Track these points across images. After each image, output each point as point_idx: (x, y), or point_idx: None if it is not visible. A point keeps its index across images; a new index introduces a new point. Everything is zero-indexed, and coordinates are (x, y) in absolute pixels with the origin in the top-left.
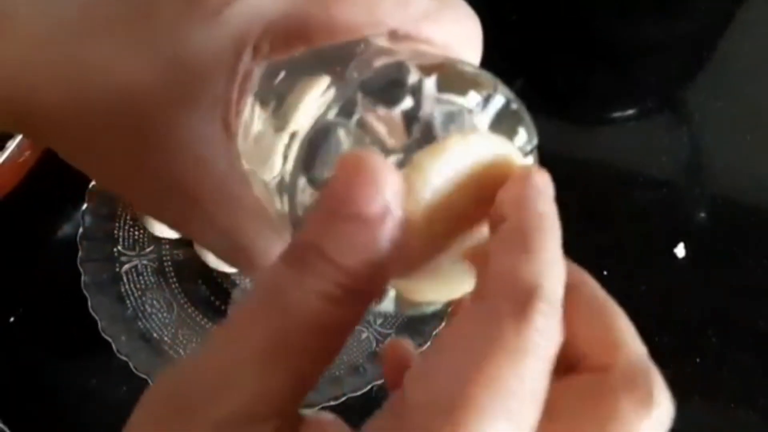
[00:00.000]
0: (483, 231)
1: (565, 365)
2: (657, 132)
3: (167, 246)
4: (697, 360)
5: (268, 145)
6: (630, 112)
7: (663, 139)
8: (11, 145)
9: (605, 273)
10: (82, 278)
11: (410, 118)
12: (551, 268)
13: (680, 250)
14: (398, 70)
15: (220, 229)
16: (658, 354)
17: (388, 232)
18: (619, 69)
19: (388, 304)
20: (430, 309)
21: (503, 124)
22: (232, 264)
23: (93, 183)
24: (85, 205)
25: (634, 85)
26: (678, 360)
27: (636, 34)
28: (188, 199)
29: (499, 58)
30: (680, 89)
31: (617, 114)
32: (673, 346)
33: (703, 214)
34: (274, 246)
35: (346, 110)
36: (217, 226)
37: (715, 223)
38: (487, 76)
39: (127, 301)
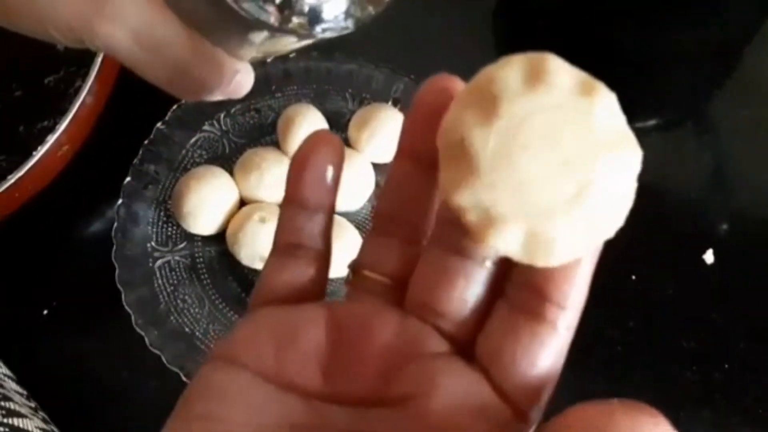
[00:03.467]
0: None
1: None
2: (681, 142)
3: (199, 242)
4: (725, 365)
5: None
6: (654, 122)
7: (688, 148)
8: (50, 140)
9: (633, 278)
10: (116, 273)
11: None
12: None
13: (709, 257)
14: None
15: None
16: (685, 359)
17: None
18: (643, 78)
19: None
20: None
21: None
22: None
23: (129, 179)
24: (120, 201)
25: (658, 94)
26: (705, 365)
27: (661, 43)
28: None
29: None
30: (705, 99)
31: (641, 124)
32: (700, 351)
33: (728, 223)
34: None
35: None
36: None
37: (741, 231)
38: None
39: (160, 296)
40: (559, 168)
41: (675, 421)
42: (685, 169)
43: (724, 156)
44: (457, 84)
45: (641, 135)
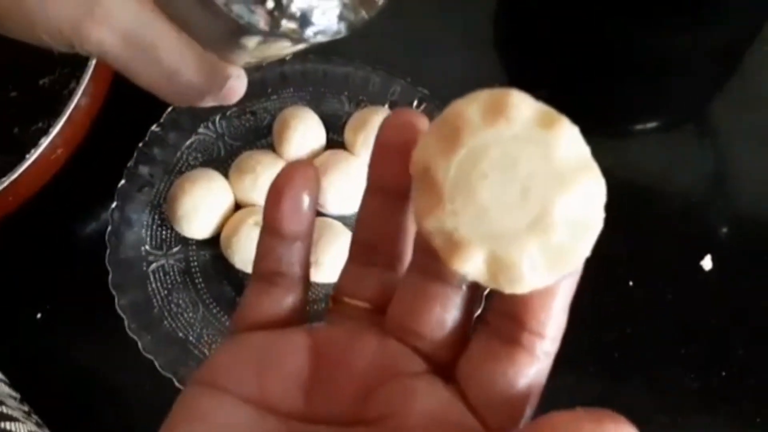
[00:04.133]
0: None
1: None
2: (682, 144)
3: (194, 246)
4: (723, 373)
5: None
6: (654, 124)
7: (688, 151)
8: (44, 142)
9: (631, 284)
10: (110, 277)
11: None
12: None
13: (707, 263)
14: None
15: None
16: (683, 365)
17: None
18: (643, 80)
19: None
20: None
21: None
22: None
23: (123, 182)
24: (114, 204)
25: (658, 97)
26: (704, 372)
27: (662, 46)
28: None
29: (522, 69)
30: (705, 102)
31: (641, 126)
32: (699, 358)
33: (727, 228)
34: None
35: None
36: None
37: (740, 236)
38: None
39: (154, 300)
40: (518, 196)
41: (673, 427)
42: (685, 172)
43: (724, 159)
44: (417, 118)
45: (641, 137)
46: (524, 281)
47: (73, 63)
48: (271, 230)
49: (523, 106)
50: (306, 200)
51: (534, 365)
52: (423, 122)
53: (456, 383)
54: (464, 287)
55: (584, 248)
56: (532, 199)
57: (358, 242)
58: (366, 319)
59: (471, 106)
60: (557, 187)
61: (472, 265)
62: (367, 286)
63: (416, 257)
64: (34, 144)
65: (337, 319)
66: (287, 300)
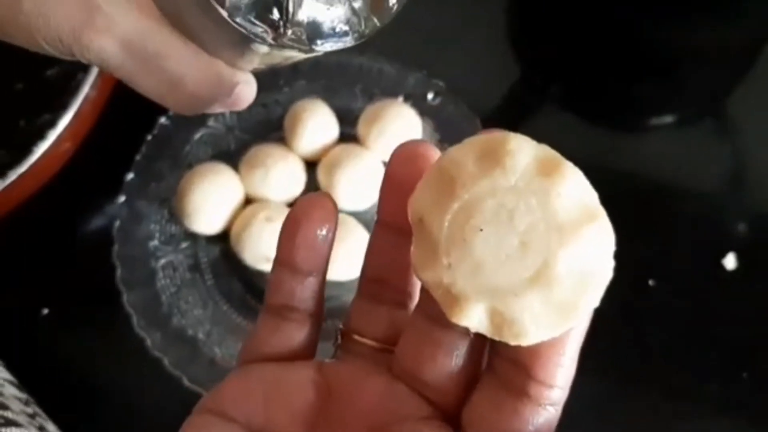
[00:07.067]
0: None
1: None
2: (700, 140)
3: (203, 242)
4: (744, 375)
5: None
6: (672, 119)
7: (706, 147)
8: (52, 136)
9: (651, 283)
10: (118, 272)
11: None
12: None
13: (729, 262)
14: None
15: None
16: (704, 369)
17: None
18: (660, 75)
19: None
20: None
21: None
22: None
23: (131, 175)
24: (122, 198)
25: (676, 92)
26: (725, 375)
27: (679, 40)
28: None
29: (536, 63)
30: (724, 97)
31: (658, 121)
32: (720, 361)
33: (746, 225)
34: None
35: None
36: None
37: (762, 232)
38: None
39: (163, 297)
40: (517, 249)
41: None
42: (703, 168)
43: (743, 154)
44: (425, 149)
45: (658, 133)
46: (529, 335)
47: None
48: (284, 263)
49: (521, 152)
50: (322, 236)
51: (542, 416)
52: (432, 153)
53: (462, 430)
54: (471, 334)
55: (591, 300)
56: (532, 252)
57: (368, 278)
58: (375, 357)
59: (467, 154)
60: (558, 240)
61: (473, 319)
62: (377, 324)
63: (422, 299)
64: (41, 137)
65: (346, 355)
66: (299, 335)
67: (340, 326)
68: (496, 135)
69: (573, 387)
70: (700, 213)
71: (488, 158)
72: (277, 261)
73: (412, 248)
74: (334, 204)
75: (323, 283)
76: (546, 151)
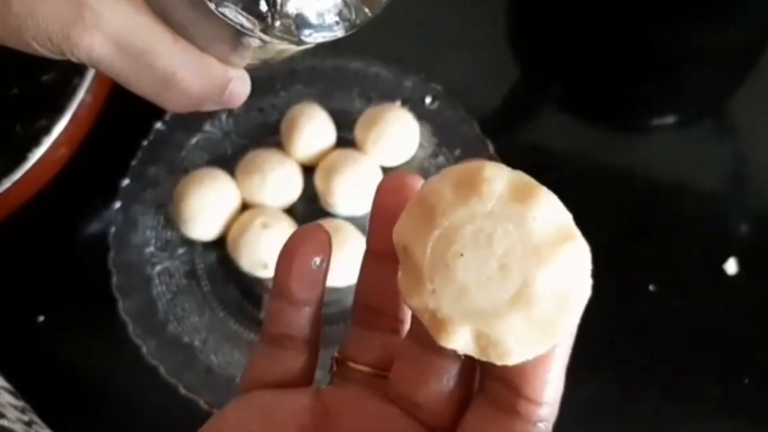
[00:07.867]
0: None
1: None
2: (700, 140)
3: (199, 248)
4: (746, 380)
5: None
6: (672, 119)
7: (706, 147)
8: (47, 141)
9: (651, 288)
10: (113, 279)
11: None
12: None
13: (731, 266)
14: None
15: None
16: (705, 372)
17: None
18: (661, 75)
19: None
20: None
21: None
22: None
23: (127, 181)
24: (118, 204)
25: (676, 92)
26: (726, 379)
27: (681, 40)
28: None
29: (536, 65)
30: (725, 97)
31: (658, 121)
32: (721, 365)
33: (746, 226)
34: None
35: None
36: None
37: (762, 235)
38: None
39: (158, 304)
40: (497, 272)
41: None
42: (704, 169)
43: (744, 155)
44: (411, 180)
45: (659, 133)
46: (513, 355)
47: None
48: (280, 294)
49: (496, 179)
50: (317, 266)
51: None
52: (417, 183)
53: None
54: (461, 356)
55: (572, 318)
56: (511, 274)
57: (360, 306)
58: (370, 382)
59: (445, 183)
60: (536, 261)
61: (459, 342)
62: (370, 350)
63: (413, 324)
64: (37, 142)
65: (342, 382)
66: (296, 363)
67: (335, 354)
68: (473, 164)
69: (574, 389)
70: (701, 213)
71: (466, 186)
72: (274, 292)
73: (398, 275)
74: (328, 235)
75: (320, 311)
76: (521, 177)
